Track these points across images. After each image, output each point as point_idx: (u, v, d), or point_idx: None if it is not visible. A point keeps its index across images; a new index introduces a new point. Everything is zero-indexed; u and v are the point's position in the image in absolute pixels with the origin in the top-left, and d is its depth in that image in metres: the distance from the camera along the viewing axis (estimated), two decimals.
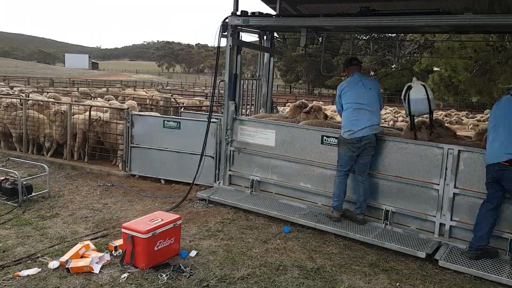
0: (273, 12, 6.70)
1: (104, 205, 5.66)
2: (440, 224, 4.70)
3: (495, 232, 4.35)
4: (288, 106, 13.42)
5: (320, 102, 22.79)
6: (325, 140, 5.44)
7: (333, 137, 5.36)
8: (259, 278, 3.81)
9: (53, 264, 3.81)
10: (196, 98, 18.36)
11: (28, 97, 9.75)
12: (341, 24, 5.66)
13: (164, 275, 3.73)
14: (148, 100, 15.38)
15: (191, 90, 32.61)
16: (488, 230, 4.23)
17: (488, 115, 4.79)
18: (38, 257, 4.01)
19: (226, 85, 6.15)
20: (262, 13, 6.13)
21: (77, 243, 4.15)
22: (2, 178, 5.76)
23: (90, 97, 15.23)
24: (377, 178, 5.09)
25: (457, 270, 4.14)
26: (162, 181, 6.84)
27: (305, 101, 6.61)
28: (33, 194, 5.69)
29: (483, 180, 4.37)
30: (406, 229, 4.91)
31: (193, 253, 4.23)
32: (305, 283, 3.78)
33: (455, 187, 4.60)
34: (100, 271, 3.77)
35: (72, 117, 7.84)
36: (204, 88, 35.92)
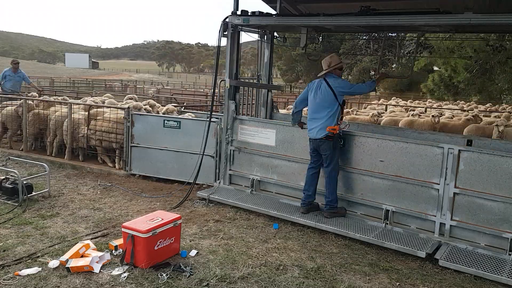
0: (273, 12, 6.70)
1: (104, 205, 5.66)
2: (440, 223, 4.69)
3: (494, 231, 4.36)
4: (290, 106, 13.22)
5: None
6: None
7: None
8: (259, 278, 3.81)
9: (53, 263, 3.82)
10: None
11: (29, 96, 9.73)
12: (341, 23, 5.66)
13: (164, 275, 3.73)
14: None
15: (191, 89, 32.56)
16: None
17: None
18: (38, 256, 4.01)
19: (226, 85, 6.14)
20: (262, 12, 6.12)
21: (77, 243, 4.16)
22: (3, 177, 5.76)
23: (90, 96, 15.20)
24: (377, 178, 5.09)
25: (457, 269, 4.14)
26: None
27: None
28: (33, 193, 5.69)
29: (483, 180, 4.37)
30: (406, 229, 4.91)
31: (193, 253, 4.24)
32: (305, 282, 3.78)
33: (455, 186, 4.60)
34: (100, 271, 3.77)
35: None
36: (204, 87, 35.87)
